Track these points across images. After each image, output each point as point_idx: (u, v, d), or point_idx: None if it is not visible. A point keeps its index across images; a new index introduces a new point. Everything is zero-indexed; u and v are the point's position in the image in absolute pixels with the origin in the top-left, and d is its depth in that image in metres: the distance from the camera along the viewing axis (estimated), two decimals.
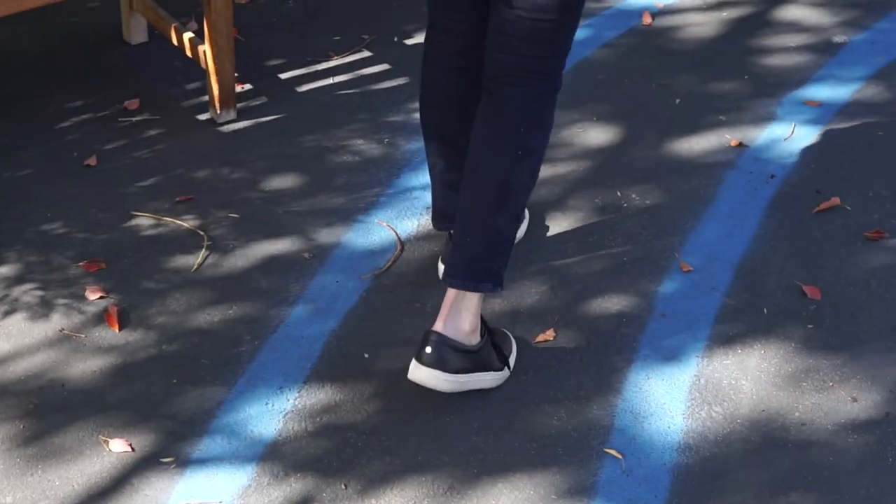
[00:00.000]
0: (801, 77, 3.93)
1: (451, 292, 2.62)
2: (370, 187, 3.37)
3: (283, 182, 3.39)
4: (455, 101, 2.78)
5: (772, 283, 3.08)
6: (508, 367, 2.76)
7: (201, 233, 3.20)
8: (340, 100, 3.74)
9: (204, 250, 3.15)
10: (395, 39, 4.08)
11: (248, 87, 3.80)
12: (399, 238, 3.20)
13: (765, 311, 3.00)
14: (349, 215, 3.28)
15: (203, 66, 3.57)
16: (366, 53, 3.99)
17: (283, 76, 3.86)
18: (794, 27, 4.25)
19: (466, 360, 2.63)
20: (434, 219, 3.00)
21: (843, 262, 3.16)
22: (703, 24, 4.20)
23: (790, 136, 3.63)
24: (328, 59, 3.96)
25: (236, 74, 3.73)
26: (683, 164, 3.55)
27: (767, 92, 3.84)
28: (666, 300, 3.02)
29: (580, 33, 3.90)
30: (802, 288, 3.06)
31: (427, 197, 3.31)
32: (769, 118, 3.72)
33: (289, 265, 3.10)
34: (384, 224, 3.25)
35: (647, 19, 4.24)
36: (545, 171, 3.38)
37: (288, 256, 3.14)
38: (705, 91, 3.82)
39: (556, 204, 3.34)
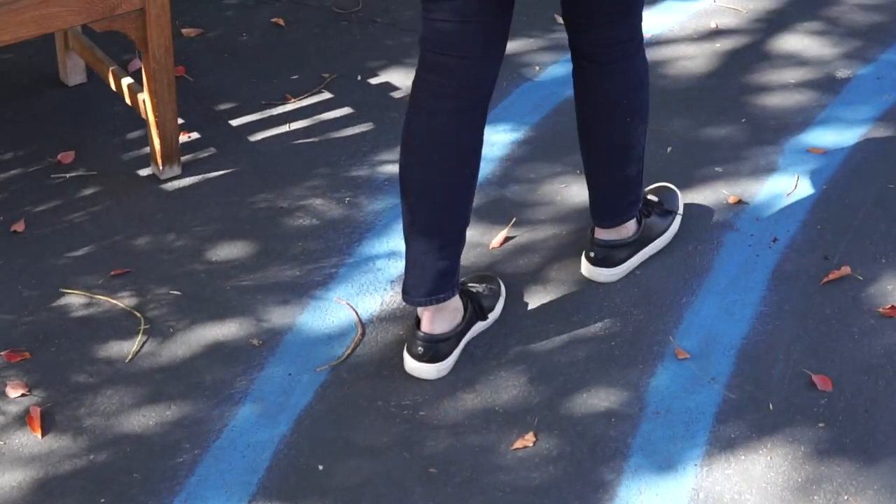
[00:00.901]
0: (802, 119, 3.59)
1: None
2: (328, 256, 3.02)
3: (231, 251, 3.04)
4: (446, 154, 2.55)
5: (777, 373, 2.74)
6: (678, 213, 3.14)
7: (138, 314, 2.85)
8: (297, 150, 3.39)
9: (140, 335, 2.80)
10: (359, 78, 3.72)
11: (194, 135, 3.44)
12: (360, 319, 2.86)
13: (770, 406, 2.66)
14: (304, 291, 2.93)
15: (143, 115, 3.21)
16: (326, 95, 3.63)
17: (235, 122, 3.50)
18: (794, 60, 3.90)
19: (629, 249, 2.99)
20: (405, 292, 2.69)
21: (857, 344, 2.82)
22: (694, 56, 3.86)
23: (793, 190, 3.30)
24: (284, 101, 3.60)
25: (181, 121, 3.39)
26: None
27: (767, 138, 3.50)
28: (660, 395, 2.68)
29: (559, 69, 3.56)
30: (812, 378, 2.74)
31: (392, 268, 3.00)
32: (770, 169, 3.38)
33: (236, 354, 2.75)
34: (343, 302, 2.90)
35: None
36: (523, 237, 3.19)
37: (235, 343, 2.78)
38: (699, 137, 3.49)
39: (535, 275, 3.01)
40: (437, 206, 2.58)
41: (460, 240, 2.65)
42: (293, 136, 3.48)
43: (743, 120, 3.61)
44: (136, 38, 3.05)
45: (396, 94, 3.65)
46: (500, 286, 2.90)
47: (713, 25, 4.09)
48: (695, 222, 3.16)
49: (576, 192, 3.28)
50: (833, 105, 3.70)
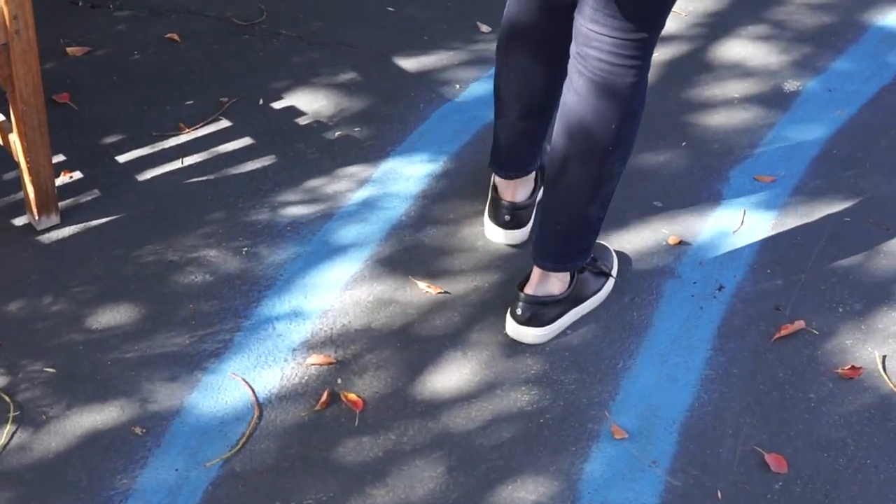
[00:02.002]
0: (749, 141, 3.29)
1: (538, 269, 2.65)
2: (223, 320, 2.70)
3: (114, 316, 2.70)
4: (538, 39, 2.63)
5: (726, 452, 2.45)
6: (612, 276, 2.86)
7: (7, 398, 2.53)
8: (190, 191, 3.06)
9: (10, 424, 2.48)
10: (261, 102, 3.38)
11: (77, 175, 3.07)
12: (256, 399, 2.54)
13: (719, 494, 2.40)
14: (195, 364, 2.61)
15: (15, 158, 2.84)
16: (223, 123, 3.29)
17: (122, 158, 3.15)
18: (738, 71, 3.60)
19: (559, 307, 2.72)
20: (492, 163, 2.93)
21: (813, 414, 2.55)
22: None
23: (740, 226, 3.00)
24: (177, 132, 3.26)
25: (63, 158, 3.07)
26: None
27: (710, 164, 3.22)
28: (595, 483, 2.41)
29: (482, 87, 3.25)
30: (764, 457, 2.47)
31: (294, 333, 2.75)
32: (714, 201, 3.07)
33: (117, 445, 2.44)
34: (238, 377, 2.58)
35: None
36: (441, 291, 2.91)
37: (116, 432, 2.47)
38: (635, 165, 3.21)
39: (455, 338, 2.70)
40: (537, 90, 2.76)
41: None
42: (186, 173, 3.13)
43: (683, 143, 3.30)
44: (1, 77, 2.69)
45: (302, 121, 3.31)
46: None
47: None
48: (632, 268, 2.87)
49: None
50: (781, 123, 3.40)
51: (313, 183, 3.14)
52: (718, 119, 3.40)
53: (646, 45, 2.37)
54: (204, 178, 3.15)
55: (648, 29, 2.34)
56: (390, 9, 3.86)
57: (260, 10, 3.80)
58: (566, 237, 2.63)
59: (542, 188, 2.73)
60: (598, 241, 2.83)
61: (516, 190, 2.91)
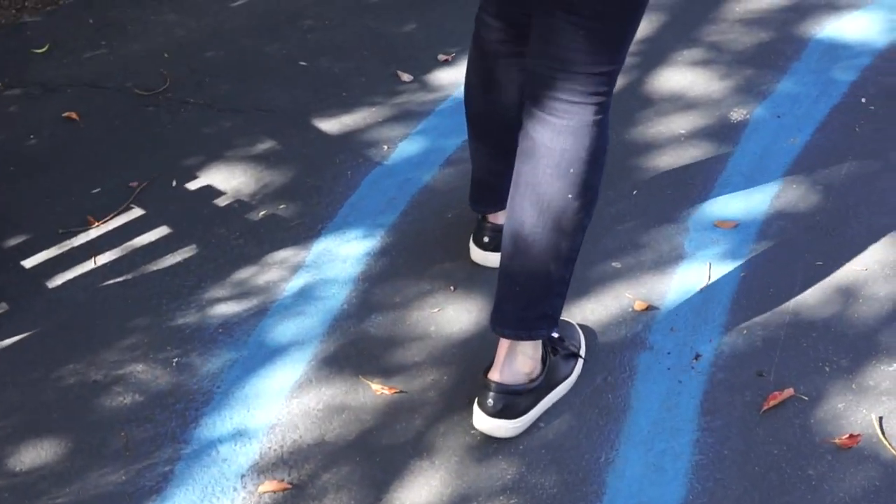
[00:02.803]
0: (703, 183, 3.09)
1: (504, 340, 2.42)
2: (160, 447, 2.44)
3: (38, 454, 2.46)
4: (502, 85, 2.54)
5: None
6: (581, 357, 2.62)
7: None
8: (107, 296, 2.81)
9: None
10: (174, 184, 3.11)
11: None
12: None
13: None
14: None
15: None
16: (136, 212, 3.02)
17: (28, 263, 2.86)
18: (680, 103, 3.40)
19: (532, 395, 2.48)
20: (472, 202, 2.81)
21: (816, 493, 2.40)
22: None
23: (707, 282, 2.79)
24: (87, 227, 2.98)
25: None
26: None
27: (666, 213, 3.01)
28: None
29: (412, 146, 3.00)
30: None
31: (241, 456, 2.53)
32: (676, 256, 2.86)
33: None
34: None
35: None
36: (396, 390, 2.65)
37: None
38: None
39: (417, 445, 2.53)
40: (502, 137, 2.61)
41: None
42: (101, 274, 2.85)
43: (634, 192, 3.09)
44: None
45: (221, 202, 3.04)
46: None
47: None
48: (598, 343, 2.66)
49: (452, 316, 2.73)
50: (734, 159, 3.20)
51: (241, 274, 2.87)
52: (667, 160, 3.19)
53: (609, 78, 2.20)
54: (120, 278, 2.87)
55: (612, 60, 2.19)
56: (303, 63, 3.60)
57: (162, 76, 3.52)
58: (526, 301, 2.37)
59: (503, 233, 2.42)
60: (562, 318, 2.61)
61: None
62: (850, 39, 3.70)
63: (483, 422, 2.50)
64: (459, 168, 3.17)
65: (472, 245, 2.91)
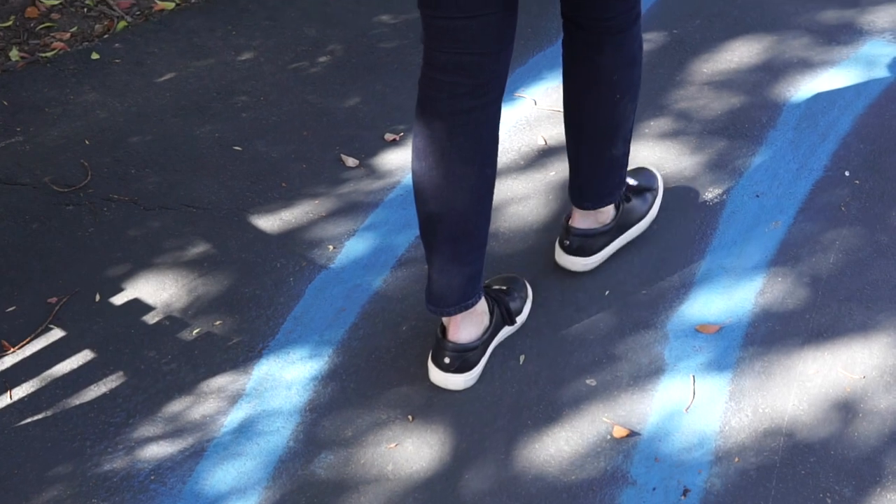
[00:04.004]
0: (680, 279, 2.87)
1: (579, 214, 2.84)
2: None
3: None
4: (467, 154, 2.42)
5: None
6: (657, 201, 3.06)
7: None
8: (25, 436, 2.58)
9: None
10: (97, 298, 2.85)
11: None
12: None
13: None
14: None
15: None
16: (56, 333, 2.74)
17: None
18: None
19: (604, 237, 2.91)
20: (431, 303, 2.62)
21: None
22: (525, 197, 3.17)
23: (692, 400, 2.56)
24: (3, 352, 2.64)
25: None
26: (551, 491, 2.49)
27: (642, 318, 2.81)
28: None
29: (361, 244, 2.88)
30: None
31: None
32: (656, 369, 2.61)
33: None
34: None
35: None
36: None
37: None
38: (556, 329, 2.85)
39: None
40: (461, 211, 2.46)
41: (484, 242, 2.57)
42: (17, 410, 2.58)
43: (607, 293, 2.84)
44: None
45: (151, 318, 2.76)
46: (526, 288, 2.84)
47: (541, 142, 3.28)
48: (576, 481, 2.47)
49: (411, 451, 2.53)
50: (712, 251, 2.96)
51: (175, 406, 2.59)
52: (640, 252, 2.93)
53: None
54: (40, 415, 2.58)
55: None
56: (237, 148, 3.31)
57: (83, 168, 3.22)
58: (598, 178, 2.78)
59: (566, 137, 2.79)
60: (641, 166, 3.16)
61: (459, 327, 2.62)
62: (828, 101, 3.46)
63: (561, 258, 2.95)
64: (413, 269, 2.91)
65: (430, 366, 2.67)
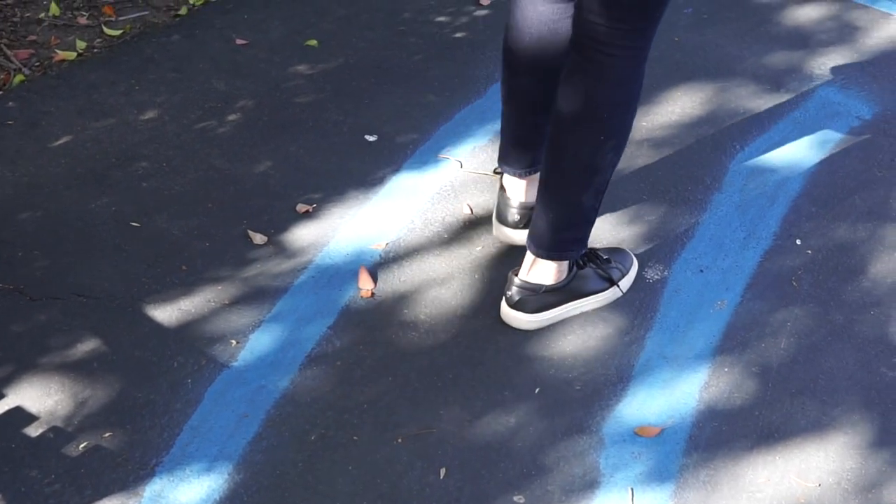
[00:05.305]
0: (616, 372, 2.72)
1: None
2: None
3: None
4: (539, 51, 2.70)
5: None
6: (619, 287, 2.86)
7: None
8: None
9: None
10: None
11: None
12: None
13: None
14: None
15: None
16: None
17: None
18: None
19: (551, 296, 2.79)
20: (500, 160, 2.97)
21: None
22: (448, 277, 2.97)
23: None
24: None
25: None
26: None
27: (577, 419, 2.66)
28: None
29: (266, 339, 2.61)
30: None
31: None
32: (591, 481, 2.47)
33: None
34: None
35: (365, 284, 2.80)
36: None
37: None
38: (482, 436, 2.61)
39: None
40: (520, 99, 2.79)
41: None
42: None
43: (537, 390, 2.62)
44: None
45: (33, 430, 2.60)
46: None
47: (467, 211, 3.04)
48: None
49: None
50: (651, 337, 2.76)
51: None
52: (574, 341, 2.72)
53: (644, 34, 2.43)
54: None
55: (648, 18, 2.40)
56: (135, 224, 3.06)
57: None
58: (558, 225, 2.68)
59: (542, 165, 2.71)
60: (619, 247, 3.00)
61: (526, 190, 2.94)
62: (776, 158, 3.25)
63: (504, 311, 2.83)
64: (323, 367, 2.67)
65: (500, 226, 3.04)
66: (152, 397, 2.66)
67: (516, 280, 2.77)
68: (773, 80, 3.66)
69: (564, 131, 2.57)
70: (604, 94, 2.50)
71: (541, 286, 2.77)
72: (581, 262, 2.82)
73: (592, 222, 2.73)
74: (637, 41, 2.46)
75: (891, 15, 4.12)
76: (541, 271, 2.78)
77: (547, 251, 2.73)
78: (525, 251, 2.81)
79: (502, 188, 2.99)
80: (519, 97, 2.83)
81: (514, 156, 2.92)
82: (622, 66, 2.48)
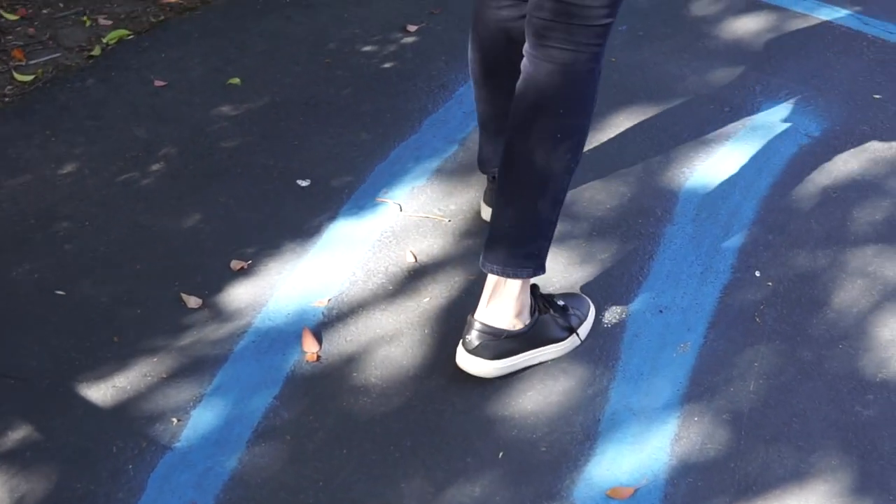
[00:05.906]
0: (584, 429, 2.60)
1: (491, 277, 2.63)
2: None
3: None
4: (503, 44, 2.74)
5: None
6: (578, 336, 2.76)
7: None
8: None
9: None
10: None
11: None
12: None
13: None
14: None
15: None
16: None
17: None
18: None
19: (512, 342, 2.66)
20: (479, 163, 3.02)
21: None
22: (395, 335, 2.85)
23: None
24: None
25: None
26: None
27: (545, 483, 2.53)
28: None
29: (210, 415, 2.47)
30: None
31: None
32: None
33: None
34: None
35: (309, 347, 2.66)
36: None
37: None
38: (437, 497, 2.34)
39: None
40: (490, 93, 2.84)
41: None
42: None
43: (501, 455, 2.47)
44: None
45: None
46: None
47: (411, 259, 2.90)
48: None
49: None
50: (617, 387, 2.68)
51: None
52: (535, 398, 2.61)
53: (603, 30, 2.41)
54: None
55: (607, 14, 2.39)
56: (60, 292, 2.88)
57: None
58: (515, 237, 2.60)
59: (498, 176, 2.63)
60: (579, 293, 2.87)
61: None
62: (727, 184, 3.14)
63: (462, 357, 2.68)
64: (273, 443, 2.52)
65: (488, 208, 3.01)
66: (92, 488, 2.50)
67: (476, 323, 2.65)
68: (716, 99, 3.55)
69: (520, 130, 2.51)
70: (559, 92, 2.47)
71: (502, 331, 2.65)
72: (542, 307, 2.72)
73: (549, 239, 2.64)
74: (592, 40, 2.44)
75: (831, 23, 4.03)
76: (501, 307, 2.65)
77: (502, 266, 2.62)
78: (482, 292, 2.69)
79: (492, 179, 3.05)
80: (494, 102, 2.87)
81: (496, 159, 2.95)
82: (578, 65, 2.46)
